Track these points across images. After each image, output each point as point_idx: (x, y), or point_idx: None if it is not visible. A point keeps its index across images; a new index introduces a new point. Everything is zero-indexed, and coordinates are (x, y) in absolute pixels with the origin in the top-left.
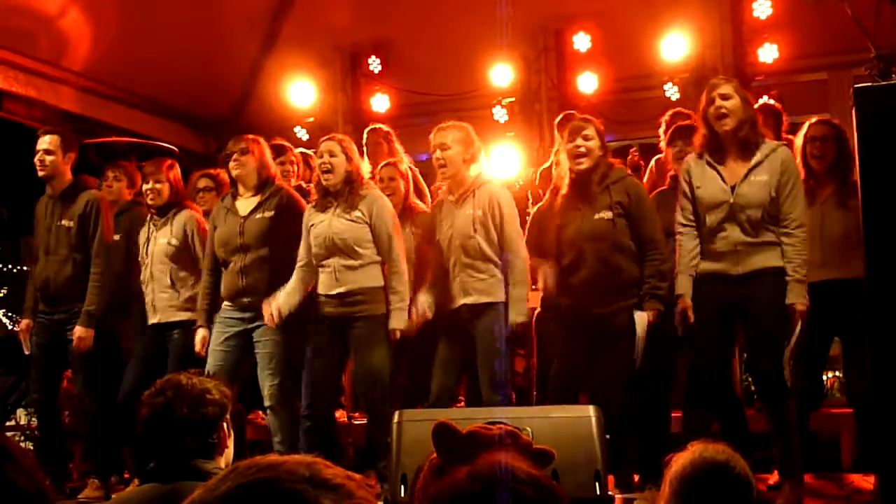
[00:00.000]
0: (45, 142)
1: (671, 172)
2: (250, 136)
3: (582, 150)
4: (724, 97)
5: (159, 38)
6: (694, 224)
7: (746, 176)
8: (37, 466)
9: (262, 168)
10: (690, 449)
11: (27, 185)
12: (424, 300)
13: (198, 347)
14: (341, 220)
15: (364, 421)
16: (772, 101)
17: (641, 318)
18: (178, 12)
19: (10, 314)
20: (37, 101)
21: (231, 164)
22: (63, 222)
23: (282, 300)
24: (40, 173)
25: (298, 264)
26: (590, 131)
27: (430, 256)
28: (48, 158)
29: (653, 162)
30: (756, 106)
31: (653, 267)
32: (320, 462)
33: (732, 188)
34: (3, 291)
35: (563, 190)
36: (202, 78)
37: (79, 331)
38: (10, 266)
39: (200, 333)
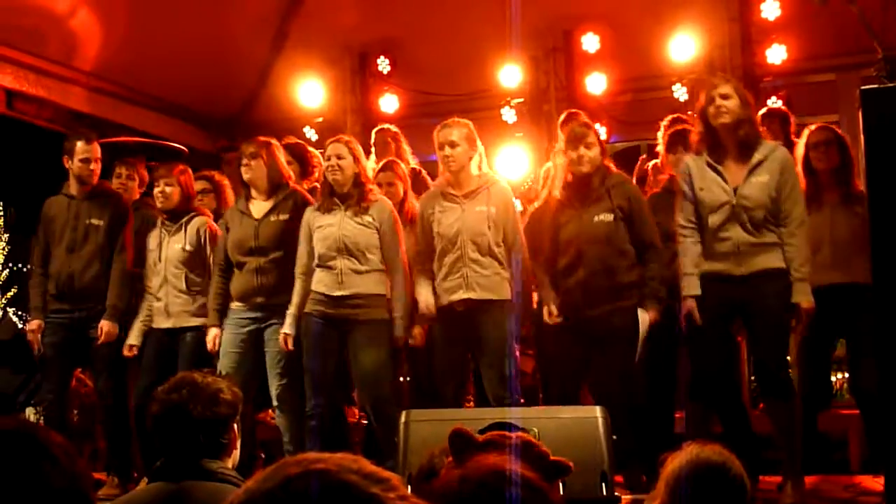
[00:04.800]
0: (97, 150)
1: (666, 176)
2: (262, 139)
3: (585, 158)
4: (724, 97)
5: (169, 38)
6: (695, 226)
7: (747, 177)
8: (78, 463)
9: (274, 171)
10: (686, 449)
11: (37, 185)
12: (427, 299)
13: (210, 346)
14: (352, 222)
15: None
16: (779, 104)
17: (644, 318)
18: (188, 12)
19: (19, 313)
20: (47, 101)
21: (242, 167)
22: (93, 221)
23: (290, 328)
24: (88, 180)
25: (299, 271)
26: (591, 138)
27: (421, 248)
28: (98, 168)
29: (650, 167)
30: (763, 110)
31: (653, 270)
32: (362, 458)
33: (735, 189)
34: (14, 290)
35: (556, 191)
36: (212, 78)
37: (105, 324)
38: (20, 265)
39: (213, 332)
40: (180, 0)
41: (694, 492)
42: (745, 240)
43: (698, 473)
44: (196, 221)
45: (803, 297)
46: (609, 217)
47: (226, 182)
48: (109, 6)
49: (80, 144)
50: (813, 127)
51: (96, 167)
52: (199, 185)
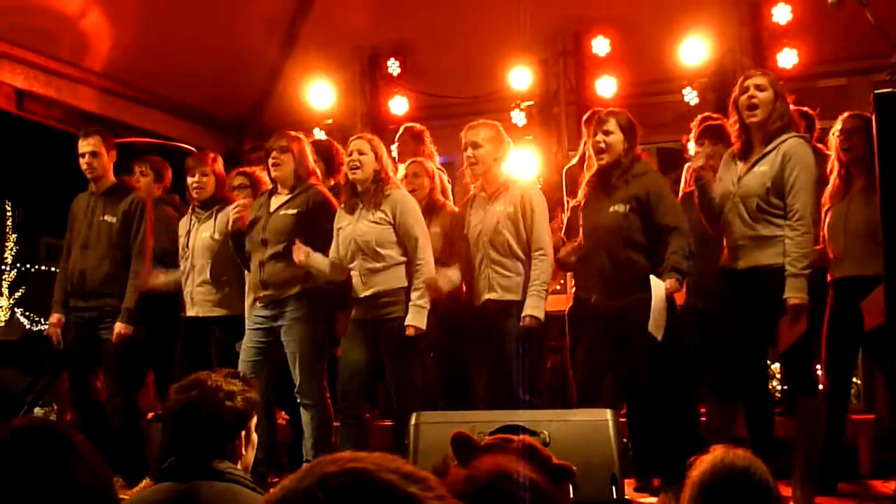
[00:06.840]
0: (89, 144)
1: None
2: (292, 134)
3: (602, 145)
4: (759, 88)
5: (179, 39)
6: None
7: (751, 168)
8: (101, 461)
9: (301, 167)
10: (712, 453)
11: (45, 186)
12: (453, 273)
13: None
14: (365, 221)
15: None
16: (805, 108)
17: (658, 283)
18: (198, 13)
19: (27, 313)
20: (56, 101)
21: (270, 161)
22: (106, 218)
23: (315, 254)
24: (89, 175)
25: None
26: (610, 125)
27: (457, 250)
28: (95, 161)
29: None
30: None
31: (677, 244)
32: (400, 458)
33: (739, 179)
34: (22, 290)
35: (585, 179)
36: (222, 79)
37: (119, 326)
38: (27, 266)
39: None
40: (191, 1)
41: (717, 497)
42: (743, 233)
43: (721, 478)
44: (227, 211)
45: (792, 294)
46: (621, 208)
47: (265, 178)
48: (120, 7)
49: (79, 141)
50: (846, 114)
51: (93, 161)
52: (237, 181)
